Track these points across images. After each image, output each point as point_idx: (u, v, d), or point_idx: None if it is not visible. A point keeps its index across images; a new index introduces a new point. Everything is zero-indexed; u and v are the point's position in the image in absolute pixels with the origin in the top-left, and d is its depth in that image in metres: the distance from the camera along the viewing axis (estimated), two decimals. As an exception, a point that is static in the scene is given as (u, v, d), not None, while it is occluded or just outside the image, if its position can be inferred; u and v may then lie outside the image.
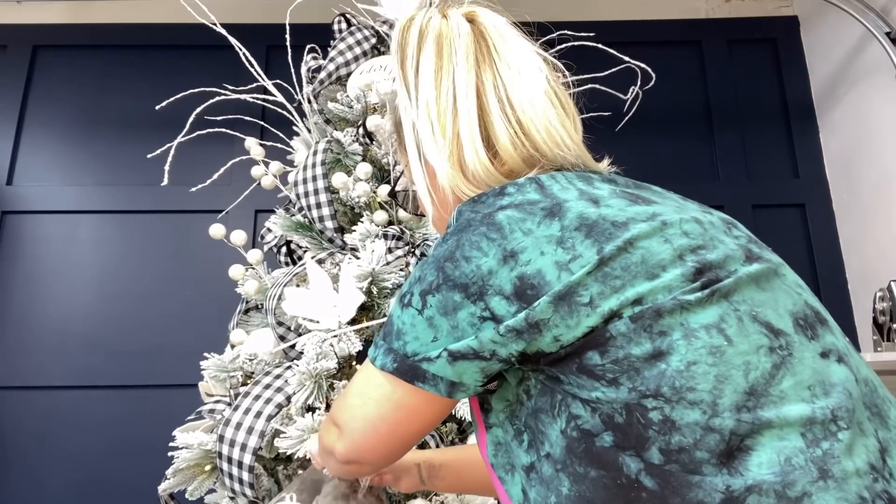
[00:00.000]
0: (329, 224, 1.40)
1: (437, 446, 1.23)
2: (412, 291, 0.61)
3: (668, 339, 0.53)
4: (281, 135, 1.72)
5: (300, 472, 1.27)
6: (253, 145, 1.55)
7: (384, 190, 1.43)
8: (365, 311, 1.29)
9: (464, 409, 1.23)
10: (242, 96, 1.59)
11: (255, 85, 1.61)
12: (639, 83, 1.58)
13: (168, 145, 1.54)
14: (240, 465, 1.15)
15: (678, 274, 0.55)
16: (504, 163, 0.68)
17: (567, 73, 0.82)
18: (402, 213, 1.43)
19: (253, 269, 1.47)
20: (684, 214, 0.60)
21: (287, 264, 1.53)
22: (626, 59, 1.52)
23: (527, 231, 0.57)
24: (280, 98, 1.58)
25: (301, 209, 1.45)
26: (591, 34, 1.52)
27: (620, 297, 0.54)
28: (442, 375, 0.60)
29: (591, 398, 0.54)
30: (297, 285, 1.33)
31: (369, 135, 1.49)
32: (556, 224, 0.57)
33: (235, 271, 1.45)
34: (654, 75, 1.55)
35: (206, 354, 1.37)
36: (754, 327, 0.54)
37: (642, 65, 1.54)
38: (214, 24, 1.57)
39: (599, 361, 0.54)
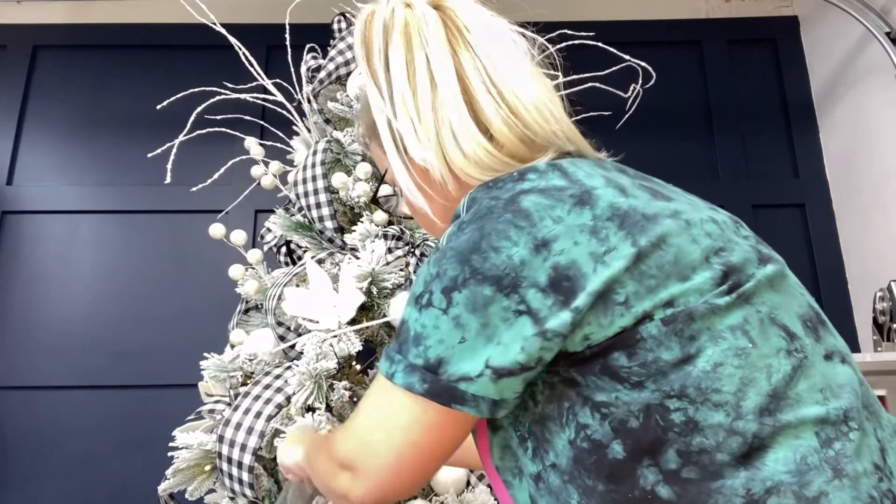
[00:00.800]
0: (329, 224, 1.39)
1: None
2: (430, 290, 0.55)
3: (696, 343, 0.52)
4: (281, 134, 1.71)
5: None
6: (253, 145, 1.55)
7: (383, 190, 1.43)
8: (365, 311, 1.29)
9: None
10: (242, 96, 1.59)
11: (254, 84, 1.61)
12: (640, 82, 1.58)
13: (168, 144, 1.54)
14: (240, 465, 1.15)
15: (708, 277, 0.54)
16: (502, 145, 0.65)
17: (549, 51, 0.79)
18: (402, 212, 1.43)
19: (253, 269, 1.47)
20: (701, 214, 0.59)
21: (287, 264, 1.53)
22: (627, 57, 1.52)
23: (556, 219, 0.54)
24: (280, 98, 1.58)
25: (301, 209, 1.45)
26: (591, 34, 1.51)
27: (654, 299, 0.52)
28: (484, 395, 0.54)
29: (608, 400, 0.53)
30: (297, 285, 1.33)
31: (369, 135, 1.49)
32: (588, 212, 0.54)
33: (235, 271, 1.45)
34: (654, 74, 1.55)
35: (206, 354, 1.37)
36: (773, 330, 0.54)
37: (643, 63, 1.54)
38: (214, 24, 1.57)
39: (626, 363, 0.52)
